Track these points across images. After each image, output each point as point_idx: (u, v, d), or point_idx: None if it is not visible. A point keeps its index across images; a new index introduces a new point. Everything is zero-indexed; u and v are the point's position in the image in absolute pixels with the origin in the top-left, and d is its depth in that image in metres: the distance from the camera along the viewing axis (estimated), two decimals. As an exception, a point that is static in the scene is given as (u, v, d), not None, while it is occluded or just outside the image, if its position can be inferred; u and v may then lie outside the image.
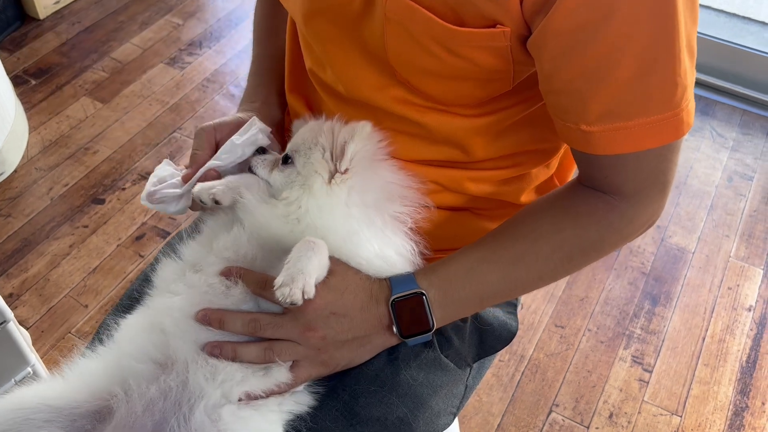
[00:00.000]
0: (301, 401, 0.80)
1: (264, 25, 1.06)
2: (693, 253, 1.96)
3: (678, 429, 1.59)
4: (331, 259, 0.74)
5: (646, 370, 1.70)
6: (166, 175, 0.85)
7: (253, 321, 0.75)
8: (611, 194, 0.78)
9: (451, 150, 0.84)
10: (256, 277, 0.76)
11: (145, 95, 2.30)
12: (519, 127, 0.83)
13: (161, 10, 2.63)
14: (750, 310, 1.84)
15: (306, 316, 0.74)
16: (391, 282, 0.77)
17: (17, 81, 2.30)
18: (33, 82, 2.32)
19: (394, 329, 0.77)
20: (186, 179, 0.84)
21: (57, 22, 2.54)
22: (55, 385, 0.75)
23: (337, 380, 0.82)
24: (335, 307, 0.74)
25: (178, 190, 0.83)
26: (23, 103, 2.22)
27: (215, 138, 0.87)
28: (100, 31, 2.53)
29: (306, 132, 0.81)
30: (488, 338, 0.97)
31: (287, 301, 0.67)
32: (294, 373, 0.76)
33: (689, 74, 0.69)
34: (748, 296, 1.86)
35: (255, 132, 0.85)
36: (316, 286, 0.70)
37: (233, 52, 2.48)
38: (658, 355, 1.73)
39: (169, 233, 1.91)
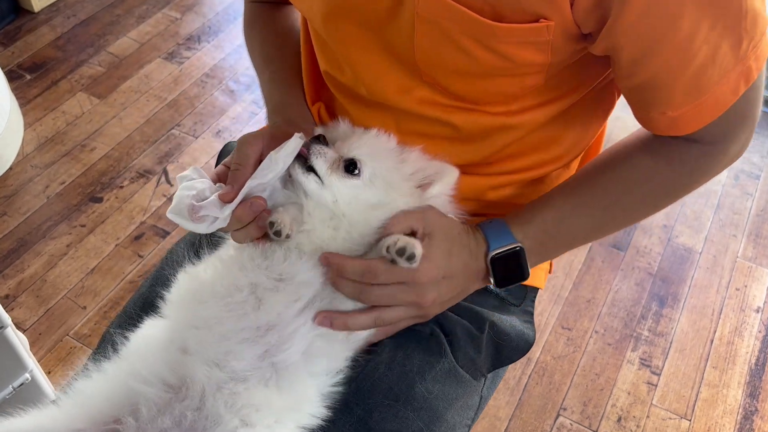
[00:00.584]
0: (315, 413, 0.77)
1: (274, 41, 1.01)
2: (700, 253, 1.93)
3: (687, 433, 1.57)
4: (432, 211, 0.76)
5: (654, 373, 1.67)
6: (203, 188, 0.75)
7: (370, 273, 0.73)
8: (701, 143, 0.78)
9: (476, 149, 0.82)
10: (358, 266, 0.74)
11: (142, 91, 2.26)
12: (547, 125, 0.82)
13: (158, 4, 2.58)
14: (758, 311, 1.82)
15: (421, 285, 0.75)
16: (487, 236, 0.79)
17: (12, 76, 2.26)
18: (28, 77, 2.27)
19: (491, 281, 0.80)
20: (226, 199, 0.74)
21: (52, 15, 2.50)
22: (54, 413, 0.70)
23: (350, 394, 0.79)
24: (446, 271, 0.75)
25: (217, 210, 0.73)
26: (18, 98, 2.17)
27: (260, 152, 0.79)
28: (96, 25, 2.48)
29: (378, 146, 0.79)
30: (505, 349, 0.94)
31: (409, 254, 0.69)
32: (391, 329, 0.79)
33: (759, 23, 0.69)
34: (756, 297, 1.84)
35: (297, 145, 0.77)
36: (426, 253, 0.73)
37: (232, 47, 2.44)
38: (666, 358, 1.70)
39: (168, 233, 1.87)
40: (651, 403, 1.62)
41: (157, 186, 1.98)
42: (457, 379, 0.88)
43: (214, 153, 2.09)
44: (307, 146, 0.75)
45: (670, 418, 1.59)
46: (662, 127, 0.76)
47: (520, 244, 0.78)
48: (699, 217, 2.03)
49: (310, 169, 0.75)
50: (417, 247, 0.71)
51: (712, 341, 1.75)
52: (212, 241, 0.95)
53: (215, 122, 2.18)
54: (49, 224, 1.87)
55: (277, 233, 0.72)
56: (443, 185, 0.79)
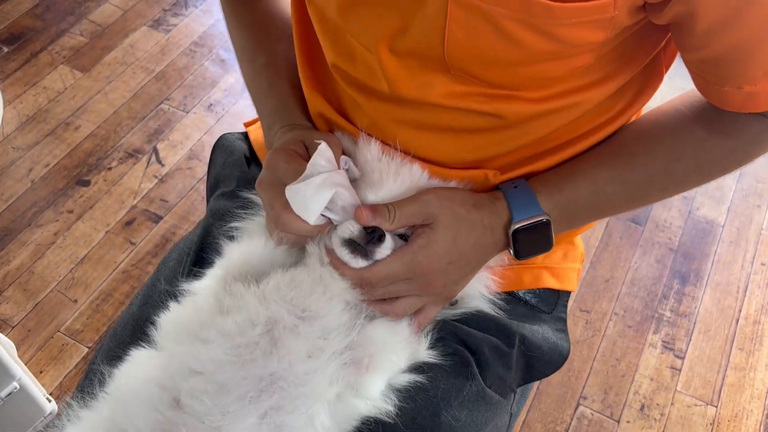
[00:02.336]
0: None
1: (265, 29, 0.92)
2: (723, 226, 1.84)
3: (714, 421, 1.50)
4: (432, 197, 0.71)
5: (677, 357, 1.60)
6: (343, 184, 0.72)
7: (365, 283, 0.70)
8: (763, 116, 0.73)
9: (514, 138, 0.75)
10: (353, 277, 0.71)
11: (128, 62, 2.12)
12: (592, 109, 0.76)
13: (141, -34, 2.42)
14: (785, 287, 1.73)
15: (424, 276, 0.70)
16: (510, 204, 0.73)
17: (-13, 49, 2.12)
18: (5, 50, 2.13)
19: (510, 252, 0.75)
20: (361, 220, 0.72)
21: (28, -19, 2.34)
22: None
23: (372, 427, 0.72)
24: (450, 257, 0.71)
25: (341, 215, 0.73)
26: (-5, 74, 2.04)
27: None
28: (75, -9, 2.32)
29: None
30: (537, 362, 0.86)
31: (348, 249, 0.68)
32: (420, 318, 0.75)
33: None
34: (783, 272, 1.76)
35: (329, 154, 0.73)
36: (426, 244, 0.70)
37: (222, 12, 2.29)
38: (690, 340, 1.62)
39: (161, 217, 1.77)
40: (675, 390, 1.54)
41: (147, 166, 1.87)
42: (486, 401, 0.81)
43: (206, 129, 1.97)
44: (363, 241, 0.70)
45: (696, 405, 1.52)
46: (736, 102, 0.69)
47: (547, 216, 0.73)
48: (721, 187, 1.92)
49: (360, 251, 0.70)
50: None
51: (737, 321, 1.66)
52: (207, 252, 0.85)
53: (206, 95, 2.05)
54: (34, 210, 1.76)
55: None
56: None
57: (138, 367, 0.71)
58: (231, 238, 0.85)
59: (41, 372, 1.49)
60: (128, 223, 1.75)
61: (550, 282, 0.90)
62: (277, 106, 0.88)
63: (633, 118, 0.83)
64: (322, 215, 0.71)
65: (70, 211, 1.77)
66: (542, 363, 0.87)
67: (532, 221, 0.73)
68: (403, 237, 0.74)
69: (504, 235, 0.74)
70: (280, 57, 0.91)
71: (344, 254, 0.70)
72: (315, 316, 0.69)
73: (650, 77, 0.79)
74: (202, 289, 0.76)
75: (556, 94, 0.73)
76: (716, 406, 1.52)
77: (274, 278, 0.71)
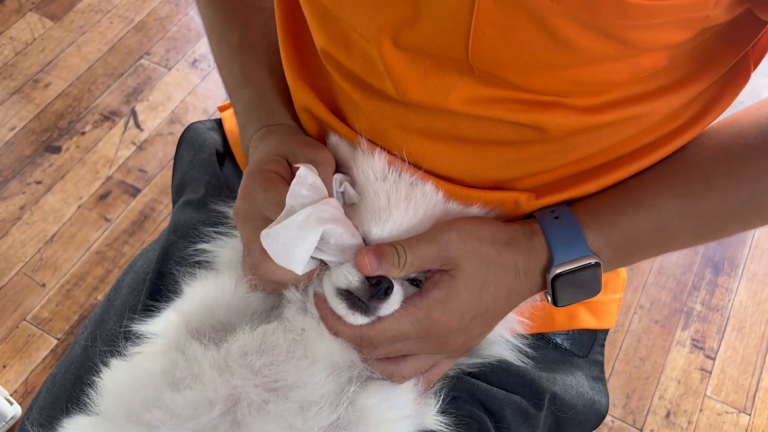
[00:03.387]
0: None
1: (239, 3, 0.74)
2: (761, 207, 1.66)
3: (746, 430, 1.36)
4: (454, 236, 0.57)
5: (708, 357, 1.45)
6: (337, 218, 0.57)
7: (364, 341, 0.57)
8: None
9: (553, 153, 0.61)
10: (349, 334, 0.57)
11: (104, 10, 1.91)
12: (659, 121, 0.61)
13: None
14: (829, 279, 1.57)
15: (439, 336, 0.58)
16: (551, 243, 0.59)
17: (-53, -7, 1.91)
18: (-33, -6, 1.92)
19: (548, 299, 0.61)
20: (363, 269, 0.57)
21: None
22: None
23: None
24: (474, 312, 0.58)
25: (338, 258, 0.58)
26: (-45, 22, 1.83)
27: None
28: (46, -74, 2.09)
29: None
30: (569, 423, 0.71)
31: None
32: (430, 375, 0.62)
33: None
34: (826, 261, 1.59)
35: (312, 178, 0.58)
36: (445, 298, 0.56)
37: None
38: (722, 338, 1.47)
39: (139, 190, 1.59)
40: (705, 395, 1.40)
41: (124, 131, 1.68)
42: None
43: (190, 88, 1.77)
44: (364, 296, 0.56)
45: (727, 412, 1.38)
46: None
47: (596, 258, 0.59)
48: (760, 162, 1.74)
49: (360, 306, 0.56)
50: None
51: (775, 316, 1.51)
52: (165, 282, 0.69)
53: (191, 49, 1.85)
54: (-2, 181, 1.60)
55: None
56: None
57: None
58: (195, 265, 0.69)
59: (4, 367, 1.35)
60: (103, 197, 1.58)
61: (588, 321, 0.75)
62: (251, 100, 0.70)
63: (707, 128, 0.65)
64: (313, 257, 0.55)
65: (39, 182, 1.60)
66: (575, 424, 0.72)
67: (579, 264, 0.59)
68: (415, 282, 0.58)
69: (541, 280, 0.60)
70: (256, 33, 0.73)
71: (340, 308, 0.56)
72: (291, 387, 0.56)
73: (733, 78, 0.61)
74: (151, 344, 0.60)
75: (612, 103, 0.57)
76: (750, 414, 1.38)
77: (240, 339, 0.57)
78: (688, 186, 0.61)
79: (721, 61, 0.58)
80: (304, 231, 0.53)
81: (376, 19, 0.54)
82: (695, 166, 0.61)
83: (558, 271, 0.58)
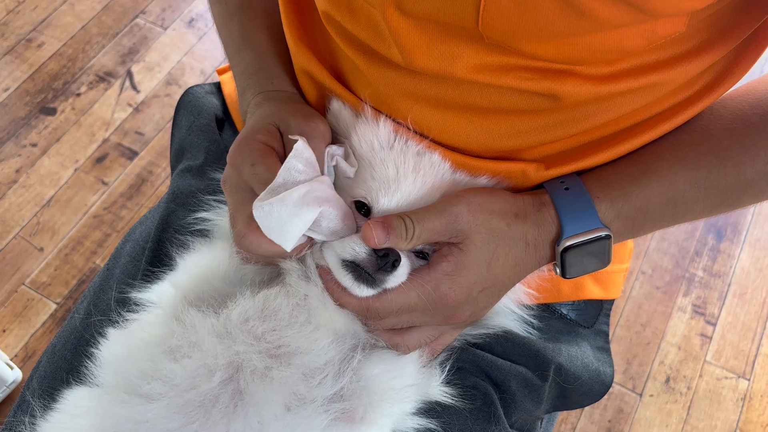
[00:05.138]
0: None
1: None
2: (766, 172, 1.65)
3: (745, 396, 1.37)
4: (463, 207, 0.56)
5: (708, 323, 1.44)
6: (330, 198, 0.55)
7: (371, 313, 0.56)
8: None
9: (565, 122, 0.59)
10: (356, 306, 0.57)
11: (97, -33, 1.85)
12: (672, 92, 0.59)
13: None
14: (832, 245, 1.56)
15: (446, 309, 0.57)
16: (561, 215, 0.57)
17: (-65, -52, 1.85)
18: (-44, -51, 1.86)
19: (557, 271, 0.60)
20: (370, 241, 0.56)
21: None
22: None
23: None
24: (482, 284, 0.57)
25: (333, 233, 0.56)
26: (-55, -21, 1.78)
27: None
28: None
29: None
30: (573, 394, 0.70)
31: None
32: (435, 345, 0.61)
33: None
34: (830, 227, 1.58)
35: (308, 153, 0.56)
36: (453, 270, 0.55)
37: None
38: (723, 304, 1.47)
39: (136, 153, 1.57)
40: (704, 360, 1.40)
41: (120, 93, 1.65)
42: (509, 442, 0.65)
43: (186, 48, 1.73)
44: (371, 267, 0.54)
45: (726, 378, 1.38)
46: None
47: (607, 230, 0.58)
48: (766, 127, 1.71)
49: (366, 278, 0.55)
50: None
51: (776, 283, 1.50)
52: (165, 250, 0.68)
53: (188, 8, 1.80)
54: (-7, 143, 1.57)
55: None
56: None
57: (70, 419, 0.56)
58: (195, 233, 0.68)
59: (4, 331, 1.34)
60: (99, 160, 1.56)
61: (594, 291, 0.74)
62: (251, 63, 0.68)
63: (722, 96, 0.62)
64: (308, 235, 0.54)
65: (34, 145, 1.57)
66: (579, 394, 0.72)
67: (589, 237, 0.57)
68: (422, 254, 0.56)
69: (550, 252, 0.59)
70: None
71: (346, 280, 0.55)
72: (294, 353, 0.55)
73: (751, 44, 0.59)
74: (149, 312, 0.59)
75: (627, 71, 0.56)
76: (748, 380, 1.38)
77: (241, 304, 0.56)
78: (702, 157, 0.59)
79: (741, 27, 0.55)
80: (300, 209, 0.52)
81: None
82: (710, 137, 0.59)
83: (568, 243, 0.57)
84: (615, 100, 0.57)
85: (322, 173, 0.56)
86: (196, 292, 0.59)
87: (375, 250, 0.53)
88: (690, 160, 0.59)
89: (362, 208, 0.58)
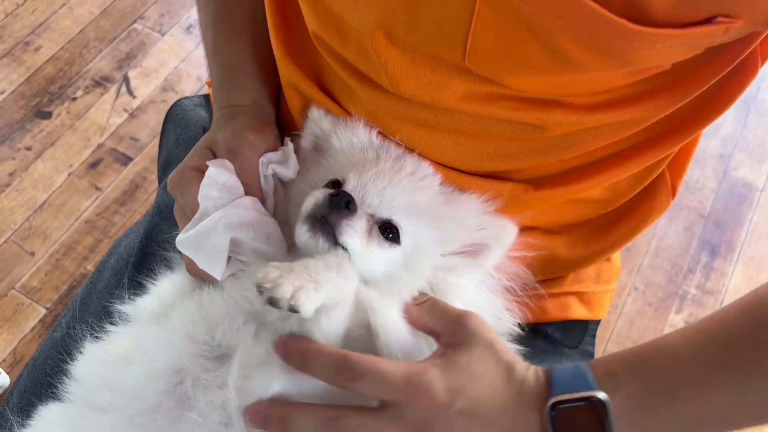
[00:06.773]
0: None
1: None
2: (761, 190, 1.64)
3: (736, 415, 1.36)
4: (466, 323, 0.53)
5: (700, 340, 1.44)
6: (254, 217, 0.55)
7: (333, 420, 0.49)
8: None
9: (552, 148, 0.59)
10: (333, 358, 0.50)
11: (97, -29, 1.85)
12: (648, 122, 0.59)
13: None
14: (826, 264, 1.56)
15: (418, 409, 0.49)
16: (552, 375, 0.51)
17: (-65, -50, 1.85)
18: (-44, -49, 1.86)
19: None
20: None
21: None
22: None
23: None
24: (466, 399, 0.49)
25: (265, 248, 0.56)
26: (-56, -20, 1.78)
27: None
28: None
29: (418, 195, 0.59)
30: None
31: (287, 303, 0.46)
32: None
33: None
34: (824, 246, 1.57)
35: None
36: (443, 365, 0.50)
37: None
38: (716, 322, 1.46)
39: (131, 159, 1.57)
40: (695, 378, 1.40)
41: (116, 98, 1.65)
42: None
43: (184, 55, 1.73)
44: (325, 209, 0.54)
45: (717, 396, 1.38)
46: None
47: (602, 397, 0.50)
48: (763, 143, 1.71)
49: (337, 243, 0.54)
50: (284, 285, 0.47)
51: (769, 301, 1.50)
52: (148, 265, 0.67)
53: (186, 14, 1.80)
54: (-13, 146, 1.57)
55: (273, 302, 0.47)
56: (500, 250, 0.59)
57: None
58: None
59: (-7, 337, 1.34)
60: (94, 165, 1.56)
61: (580, 312, 0.73)
62: (217, 76, 0.69)
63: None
64: (236, 259, 0.55)
65: (29, 148, 1.57)
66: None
67: (576, 397, 0.50)
68: (389, 231, 0.56)
69: (539, 420, 0.51)
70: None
71: (302, 233, 0.54)
72: (228, 353, 0.53)
73: (740, 71, 0.58)
74: (122, 325, 0.59)
75: (614, 101, 0.54)
76: (739, 399, 1.38)
77: (179, 309, 0.56)
78: (716, 331, 0.53)
79: (729, 56, 0.55)
80: (212, 238, 0.52)
81: (369, 18, 0.52)
82: (731, 330, 0.53)
83: (554, 400, 0.50)
84: (603, 128, 0.57)
85: (256, 185, 0.57)
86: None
87: (330, 195, 0.54)
88: (708, 355, 0.52)
89: (336, 186, 0.57)
